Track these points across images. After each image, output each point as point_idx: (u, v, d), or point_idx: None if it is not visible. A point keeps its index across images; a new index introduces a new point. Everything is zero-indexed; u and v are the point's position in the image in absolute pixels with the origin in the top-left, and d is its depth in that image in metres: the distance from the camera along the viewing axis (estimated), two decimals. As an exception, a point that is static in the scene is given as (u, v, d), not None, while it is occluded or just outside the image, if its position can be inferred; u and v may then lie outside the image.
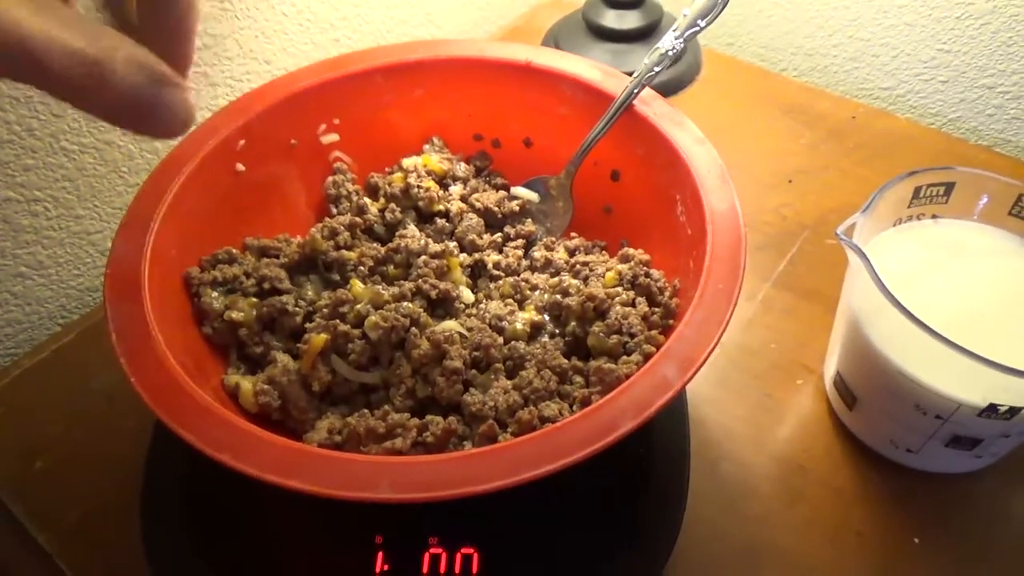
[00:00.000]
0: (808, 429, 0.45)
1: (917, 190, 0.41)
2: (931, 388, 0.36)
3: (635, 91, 0.44)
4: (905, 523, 0.41)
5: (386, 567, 0.36)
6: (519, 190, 0.48)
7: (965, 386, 0.35)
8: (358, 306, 0.39)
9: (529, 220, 0.48)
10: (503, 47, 0.48)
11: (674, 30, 0.44)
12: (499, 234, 0.47)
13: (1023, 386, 0.34)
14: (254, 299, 0.40)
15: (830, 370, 0.44)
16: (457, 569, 0.36)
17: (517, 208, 0.47)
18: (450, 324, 0.39)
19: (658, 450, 0.39)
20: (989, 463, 0.41)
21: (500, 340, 0.38)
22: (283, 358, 0.38)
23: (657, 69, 0.43)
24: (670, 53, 0.43)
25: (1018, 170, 0.64)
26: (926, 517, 0.41)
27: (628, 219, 0.47)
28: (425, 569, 0.36)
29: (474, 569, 0.36)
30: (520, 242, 0.46)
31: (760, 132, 0.65)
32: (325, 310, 0.39)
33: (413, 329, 0.38)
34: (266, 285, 0.40)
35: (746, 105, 0.68)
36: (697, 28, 0.43)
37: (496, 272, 0.44)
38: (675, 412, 0.41)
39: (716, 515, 0.41)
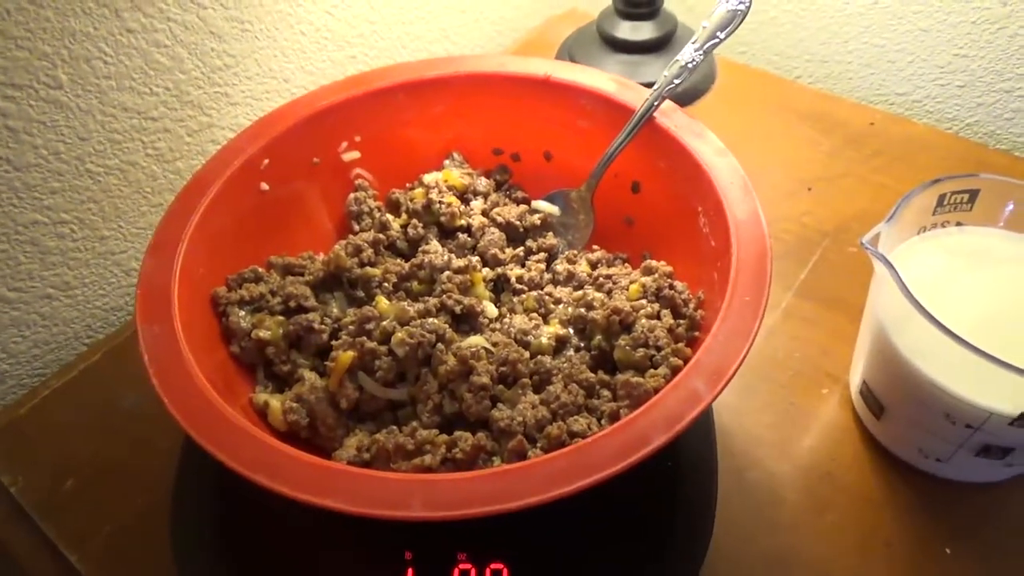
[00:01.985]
0: (834, 438, 0.45)
1: (941, 198, 0.41)
2: (961, 397, 0.36)
3: (655, 103, 0.44)
4: (935, 533, 0.40)
5: (416, 584, 0.37)
6: (540, 204, 0.49)
7: (996, 395, 0.35)
8: (384, 323, 0.39)
9: (551, 233, 0.48)
10: (522, 62, 0.49)
11: (693, 42, 0.44)
12: (521, 248, 0.47)
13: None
14: (280, 317, 0.40)
15: (856, 379, 0.44)
16: (488, 585, 0.36)
17: (539, 222, 0.48)
18: (476, 340, 0.39)
19: (686, 462, 0.39)
20: (1021, 472, 0.41)
21: (527, 355, 0.38)
22: (310, 376, 0.39)
23: (677, 81, 0.44)
24: (690, 65, 0.44)
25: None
26: (956, 527, 0.40)
27: (650, 231, 0.47)
28: (455, 585, 0.36)
29: (504, 584, 0.36)
30: (542, 255, 0.46)
31: (777, 140, 0.65)
32: (351, 327, 0.40)
33: (439, 345, 0.38)
34: (292, 303, 0.41)
35: (762, 113, 0.68)
36: (717, 40, 0.43)
37: (519, 286, 0.44)
38: (702, 424, 0.41)
39: (744, 524, 0.41)
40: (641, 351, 0.37)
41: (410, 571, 0.37)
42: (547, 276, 0.46)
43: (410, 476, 0.31)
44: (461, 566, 0.37)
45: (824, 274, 0.54)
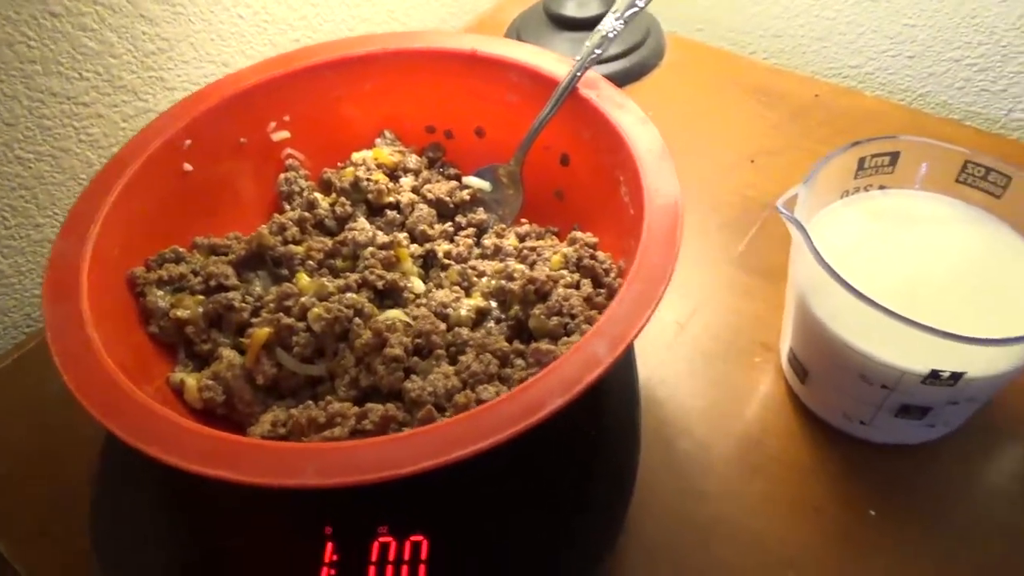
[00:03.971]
0: (766, 406, 0.45)
1: (861, 161, 0.41)
2: (874, 358, 0.36)
3: (578, 74, 0.43)
4: (861, 495, 0.40)
5: (335, 557, 0.36)
6: (470, 179, 0.48)
7: (907, 354, 0.35)
8: (303, 299, 0.39)
9: (481, 209, 0.48)
10: (450, 37, 0.48)
11: (614, 12, 0.44)
12: (450, 224, 0.47)
13: (963, 351, 0.33)
14: (201, 297, 0.40)
15: (785, 347, 0.44)
16: (406, 556, 0.36)
17: (468, 197, 0.47)
18: (394, 313, 0.39)
19: (608, 432, 0.39)
20: (944, 433, 0.41)
21: (443, 327, 0.38)
22: (229, 354, 0.38)
23: (598, 51, 0.43)
24: (610, 35, 0.43)
25: (985, 142, 0.63)
26: (882, 489, 0.40)
27: (579, 203, 0.46)
28: (374, 557, 0.36)
29: (423, 555, 0.36)
30: (471, 231, 0.46)
31: (724, 114, 0.65)
32: (271, 304, 0.39)
33: (357, 319, 0.38)
34: (213, 282, 0.41)
35: (710, 88, 0.68)
36: (636, 9, 0.43)
37: (447, 261, 0.44)
38: (624, 392, 0.41)
39: (671, 492, 0.41)
40: (555, 319, 0.37)
41: (329, 545, 0.37)
42: (476, 251, 0.45)
43: (304, 445, 0.31)
44: (381, 539, 0.37)
45: (763, 246, 0.54)
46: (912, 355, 0.35)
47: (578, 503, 0.37)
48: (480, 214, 0.47)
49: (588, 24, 0.68)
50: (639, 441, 0.39)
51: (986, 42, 0.67)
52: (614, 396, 0.41)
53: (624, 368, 0.41)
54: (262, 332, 0.38)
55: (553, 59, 0.46)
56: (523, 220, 0.47)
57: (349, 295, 0.39)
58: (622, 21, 0.43)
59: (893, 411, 0.38)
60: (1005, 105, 0.69)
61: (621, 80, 0.67)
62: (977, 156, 0.40)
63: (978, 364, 0.34)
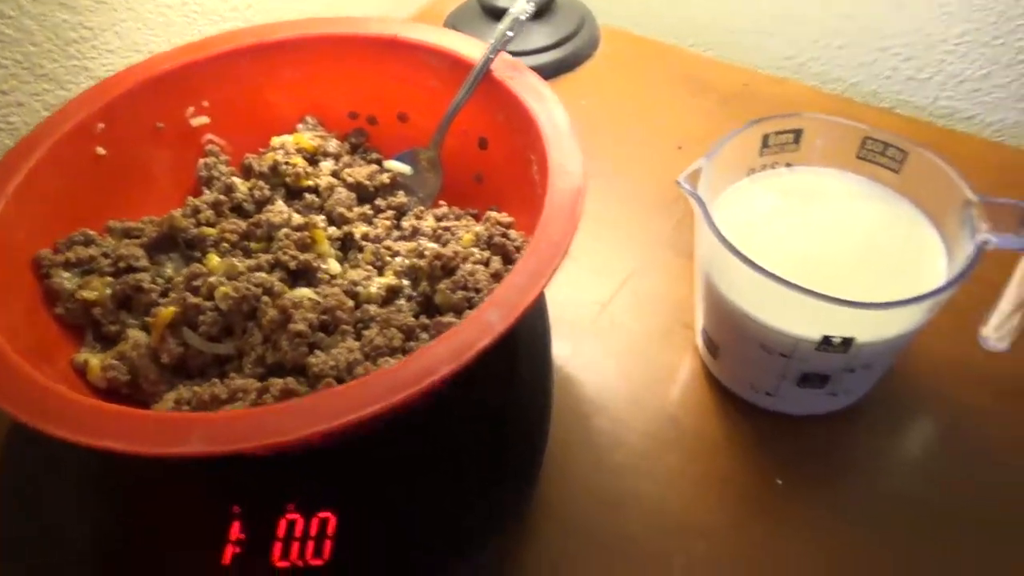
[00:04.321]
0: (682, 383, 0.45)
1: (766, 138, 0.42)
2: (771, 327, 0.36)
3: (491, 57, 0.44)
4: (770, 466, 0.41)
5: (242, 536, 0.36)
6: (391, 163, 0.49)
7: (801, 322, 0.36)
8: (211, 278, 0.39)
9: (401, 192, 0.48)
10: (371, 23, 0.49)
11: (524, -6, 0.44)
12: (369, 206, 0.47)
13: (852, 317, 0.34)
14: (109, 278, 0.40)
15: (699, 324, 0.45)
16: (313, 532, 0.36)
17: (388, 180, 0.48)
18: (303, 291, 0.39)
19: (517, 404, 0.40)
20: (848, 403, 0.42)
21: (350, 304, 0.38)
22: (136, 334, 0.38)
23: (510, 34, 0.44)
24: (521, 17, 0.44)
25: (912, 128, 0.65)
26: (790, 459, 0.41)
27: (497, 186, 0.47)
28: (281, 534, 0.36)
29: (330, 531, 0.36)
30: (390, 213, 0.46)
31: (654, 103, 0.66)
32: (180, 284, 0.39)
33: (265, 298, 0.38)
34: (122, 264, 0.40)
35: (643, 78, 0.69)
36: (545, -9, 0.44)
37: (364, 243, 0.44)
38: (537, 366, 0.41)
39: (585, 468, 0.41)
40: (460, 293, 0.37)
41: (235, 524, 0.37)
42: (396, 233, 0.46)
43: (191, 414, 0.31)
44: (288, 516, 0.37)
45: (688, 229, 0.54)
46: (805, 323, 0.35)
47: (485, 475, 0.37)
48: (400, 197, 0.47)
49: (523, 15, 0.68)
50: (550, 415, 0.40)
51: (911, 31, 0.68)
52: (525, 370, 0.41)
53: (535, 342, 0.42)
54: (167, 311, 0.38)
55: (472, 44, 0.46)
56: (442, 202, 0.48)
57: (259, 274, 0.39)
58: (532, 3, 0.44)
59: (795, 380, 0.39)
60: (931, 93, 0.71)
61: (554, 70, 0.67)
62: (875, 132, 0.41)
63: (866, 330, 0.35)
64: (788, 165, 0.43)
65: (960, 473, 0.41)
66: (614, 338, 0.48)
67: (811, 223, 0.41)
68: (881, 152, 0.41)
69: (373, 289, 0.39)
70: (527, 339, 0.42)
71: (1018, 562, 0.37)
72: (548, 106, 0.42)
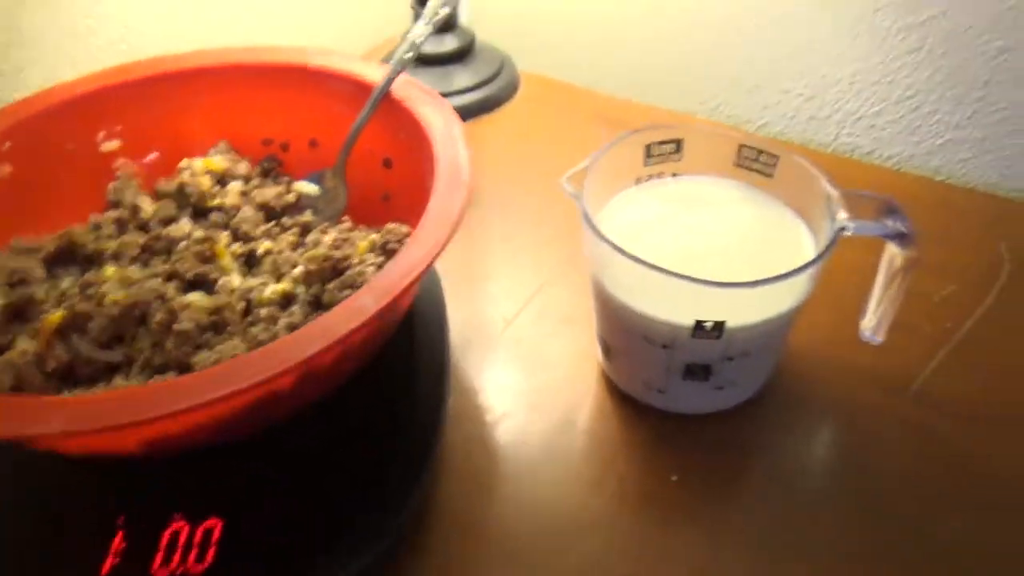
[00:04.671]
0: (581, 388, 0.46)
1: (648, 148, 0.44)
2: (648, 316, 0.38)
3: (392, 78, 0.46)
4: (664, 464, 0.42)
5: (123, 545, 0.36)
6: (299, 184, 0.50)
7: (674, 308, 0.37)
8: (104, 286, 0.39)
9: (309, 211, 0.49)
10: (282, 51, 0.51)
11: (423, 18, 0.47)
12: (276, 225, 0.48)
13: (720, 302, 0.36)
14: (5, 288, 0.40)
15: (596, 329, 0.46)
16: (198, 540, 0.36)
17: (294, 200, 0.49)
18: (194, 296, 0.39)
19: (407, 412, 0.40)
20: (738, 400, 0.43)
21: (241, 305, 0.39)
22: (25, 342, 0.38)
23: (408, 55, 0.46)
24: (418, 40, 0.46)
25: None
26: (684, 456, 0.42)
27: (403, 204, 0.48)
28: (164, 542, 0.36)
29: (215, 538, 0.36)
30: (295, 230, 0.47)
31: (569, 140, 0.69)
32: (74, 293, 0.40)
33: (156, 303, 0.38)
34: (16, 278, 0.41)
35: (560, 119, 0.72)
36: (440, 16, 0.46)
37: (267, 259, 0.45)
38: (428, 374, 0.42)
39: (483, 473, 0.42)
40: (347, 292, 0.38)
41: (119, 535, 0.36)
42: (300, 250, 0.47)
43: (57, 398, 0.31)
44: (175, 525, 0.36)
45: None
46: (679, 309, 0.37)
47: (372, 477, 0.37)
48: (307, 216, 0.48)
49: (447, 58, 0.71)
50: (439, 423, 0.40)
51: (808, 72, 0.73)
52: (421, 373, 0.42)
53: (429, 346, 0.43)
54: (55, 316, 0.38)
55: (374, 68, 0.49)
56: (346, 218, 0.49)
57: (152, 281, 0.40)
58: (430, 26, 0.46)
59: (680, 372, 0.40)
60: (832, 131, 0.75)
61: (474, 111, 0.70)
62: (749, 140, 0.43)
63: (735, 313, 0.36)
64: (674, 175, 0.45)
65: (852, 466, 0.42)
66: (518, 351, 0.49)
67: (691, 225, 0.43)
68: (755, 159, 0.43)
69: (267, 293, 0.40)
70: (422, 338, 0.43)
71: (912, 550, 0.38)
72: (443, 118, 0.44)
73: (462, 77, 0.71)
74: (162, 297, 0.39)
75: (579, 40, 0.82)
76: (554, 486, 0.41)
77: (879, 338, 0.43)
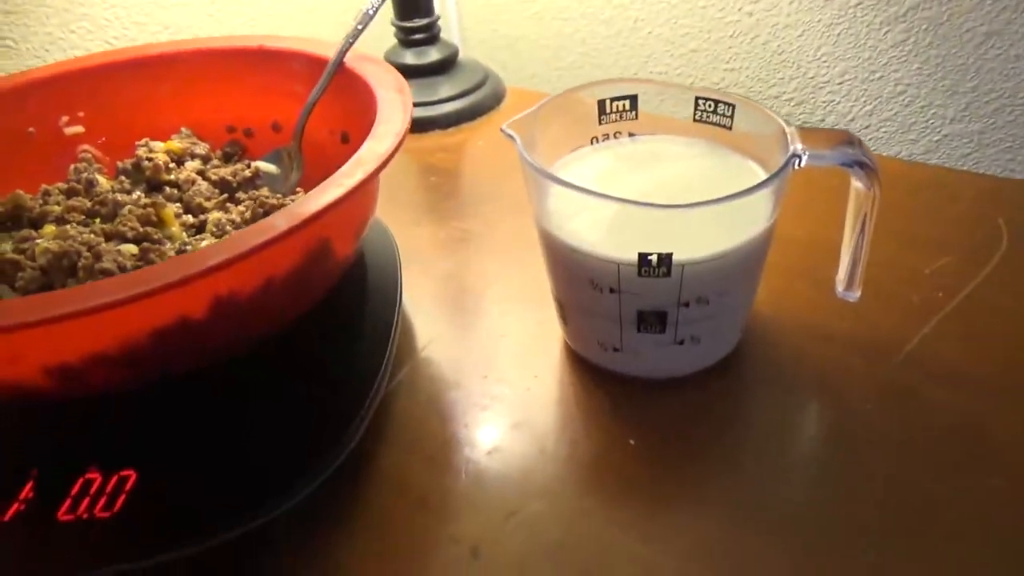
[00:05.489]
0: (540, 356, 0.43)
1: (602, 104, 0.43)
2: (593, 254, 0.35)
3: (344, 50, 0.46)
4: (622, 428, 0.38)
5: (31, 495, 0.34)
6: (258, 163, 0.50)
7: (618, 244, 0.35)
8: (39, 241, 0.38)
9: (266, 188, 0.49)
10: (241, 38, 0.51)
11: (375, -9, 0.47)
12: (225, 197, 0.47)
13: (665, 234, 0.34)
14: (-59, 249, 0.40)
15: (551, 288, 0.44)
16: (109, 488, 0.34)
17: (250, 175, 0.48)
18: (127, 247, 0.38)
19: (346, 369, 0.38)
20: (703, 363, 0.40)
21: (171, 252, 0.38)
22: (-49, 294, 0.37)
23: (360, 27, 0.46)
24: (370, 12, 0.46)
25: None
26: (643, 420, 0.39)
27: (359, 178, 0.47)
28: (74, 492, 0.34)
29: (128, 487, 0.34)
30: (249, 203, 0.47)
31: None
32: (8, 249, 0.39)
33: (86, 252, 0.37)
34: (-44, 237, 0.40)
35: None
36: (392, -13, 0.47)
37: (216, 229, 0.44)
38: (377, 333, 0.40)
39: (429, 439, 0.39)
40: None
41: (30, 483, 0.34)
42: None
43: None
44: (88, 475, 0.34)
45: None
46: (622, 243, 0.35)
47: (297, 434, 0.35)
48: (263, 191, 0.48)
49: (429, 70, 0.72)
50: (376, 383, 0.38)
51: (796, 76, 0.72)
52: (366, 332, 0.40)
53: (380, 305, 0.41)
54: (-20, 264, 0.37)
55: (329, 45, 0.49)
56: (299, 190, 0.48)
57: (87, 236, 0.39)
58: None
59: (634, 323, 0.37)
60: (825, 134, 0.73)
61: (455, 119, 0.70)
62: (705, 92, 0.42)
63: (681, 245, 0.34)
64: (631, 135, 0.44)
65: (828, 432, 0.38)
66: (480, 323, 0.47)
67: (646, 179, 0.41)
68: (713, 111, 0.41)
69: (202, 244, 0.39)
70: (374, 301, 0.41)
71: (893, 516, 0.34)
72: (392, 85, 0.43)
73: (445, 87, 0.72)
74: (93, 248, 0.38)
75: (564, 60, 0.82)
76: (501, 454, 0.38)
77: (855, 293, 0.40)
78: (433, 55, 0.72)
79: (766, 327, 0.44)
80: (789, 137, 0.36)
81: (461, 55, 0.75)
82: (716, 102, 0.41)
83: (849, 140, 0.36)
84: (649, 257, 0.34)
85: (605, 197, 0.33)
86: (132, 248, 0.38)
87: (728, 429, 0.38)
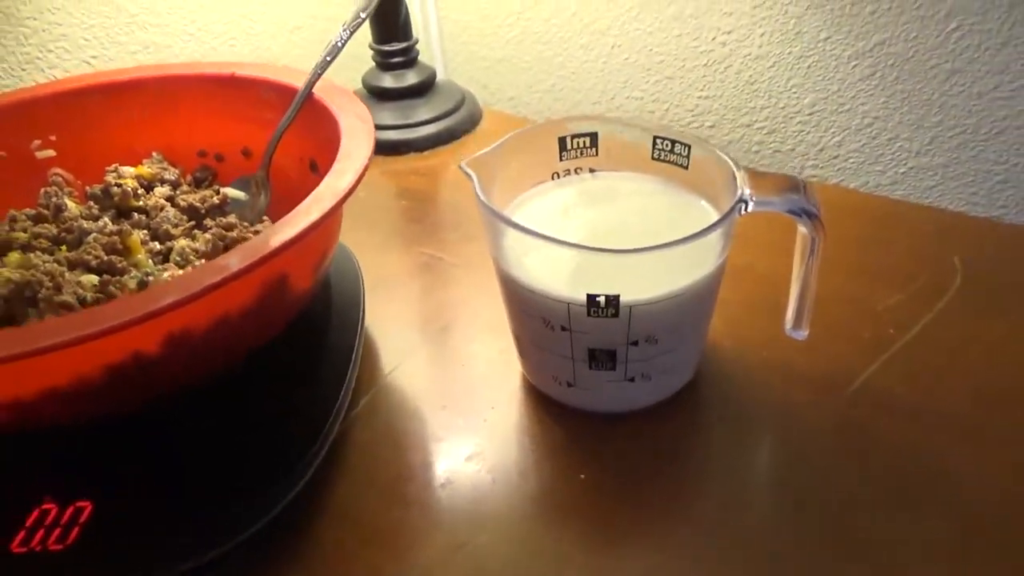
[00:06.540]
0: (500, 391, 0.44)
1: (563, 141, 0.43)
2: (545, 293, 0.36)
3: (312, 81, 0.47)
4: (573, 462, 0.39)
5: (-18, 525, 0.34)
6: (227, 190, 0.50)
7: (567, 284, 0.36)
8: (2, 270, 0.39)
9: (234, 215, 0.49)
10: (213, 65, 0.52)
11: (343, 25, 0.48)
12: (193, 224, 0.48)
13: (612, 275, 0.35)
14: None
15: (508, 323, 0.44)
16: (64, 520, 0.34)
17: (218, 202, 0.49)
18: (88, 277, 0.39)
19: (307, 403, 0.39)
20: (656, 397, 0.41)
21: (133, 284, 0.38)
22: (-88, 323, 0.38)
23: (329, 59, 0.47)
24: (339, 44, 0.47)
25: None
26: (595, 455, 0.39)
27: (327, 207, 0.48)
28: (28, 523, 0.34)
29: (82, 519, 0.34)
30: (216, 231, 0.47)
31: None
32: (-29, 278, 0.39)
33: (48, 282, 0.38)
34: (-80, 264, 0.41)
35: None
36: (360, 20, 0.47)
37: (180, 258, 0.45)
38: (337, 366, 0.41)
39: (382, 472, 0.39)
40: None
41: (-17, 513, 0.34)
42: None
43: None
44: (44, 506, 0.35)
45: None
46: (572, 284, 0.35)
47: (255, 468, 0.36)
48: (230, 218, 0.48)
49: (408, 93, 0.73)
50: (335, 414, 0.39)
51: (768, 105, 0.73)
52: (324, 366, 0.41)
53: (340, 335, 0.42)
54: (-59, 294, 0.37)
55: (299, 74, 0.49)
56: (265, 218, 0.49)
57: (51, 265, 0.39)
58: (348, 32, 0.47)
59: (585, 361, 0.38)
60: (796, 163, 0.74)
61: (433, 142, 0.71)
62: (663, 131, 0.43)
63: (629, 287, 0.35)
64: (592, 171, 0.45)
65: (778, 465, 0.39)
66: (444, 351, 0.47)
67: (603, 215, 0.42)
68: (670, 150, 0.42)
69: (165, 276, 0.39)
70: (335, 332, 0.42)
71: (842, 548, 0.34)
72: (354, 117, 0.44)
73: (423, 110, 0.73)
74: (55, 278, 0.39)
75: (543, 84, 0.83)
76: (451, 486, 0.39)
77: (802, 332, 0.41)
78: (411, 78, 0.73)
79: (722, 359, 0.45)
80: (739, 181, 0.37)
81: (440, 78, 0.76)
82: (673, 142, 0.42)
83: (795, 187, 0.37)
84: (597, 298, 0.35)
85: (554, 241, 0.34)
86: (93, 279, 0.39)
87: (679, 462, 0.39)
